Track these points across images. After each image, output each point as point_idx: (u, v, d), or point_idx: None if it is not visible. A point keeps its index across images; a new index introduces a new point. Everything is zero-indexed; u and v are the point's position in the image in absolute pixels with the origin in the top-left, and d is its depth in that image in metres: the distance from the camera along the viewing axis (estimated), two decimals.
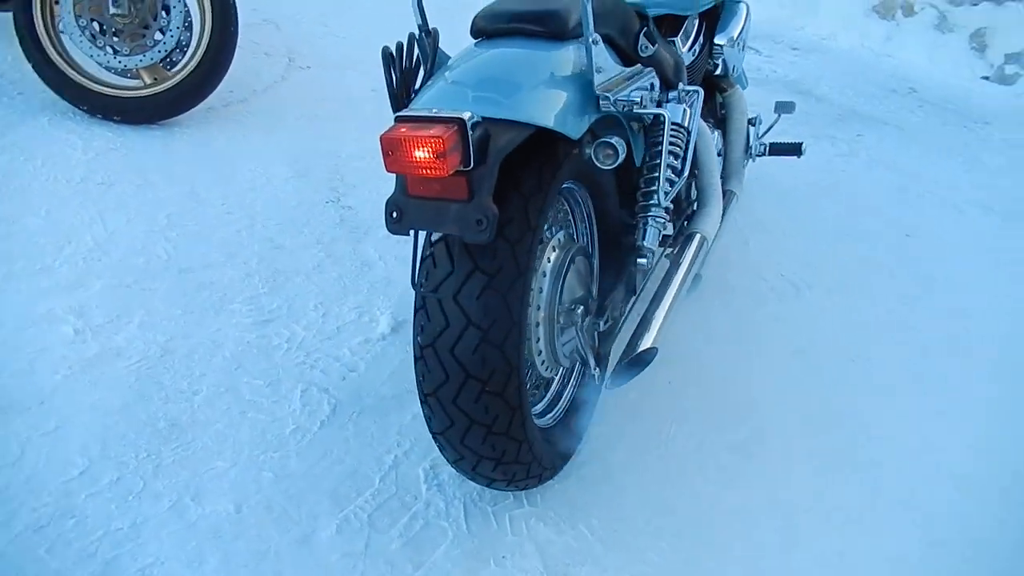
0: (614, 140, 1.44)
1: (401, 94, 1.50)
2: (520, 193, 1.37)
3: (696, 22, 2.27)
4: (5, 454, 1.64)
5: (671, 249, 1.94)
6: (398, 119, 1.27)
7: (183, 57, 2.92)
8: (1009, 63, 4.69)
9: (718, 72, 2.38)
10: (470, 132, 1.23)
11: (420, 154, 1.22)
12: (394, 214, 1.33)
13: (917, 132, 4.05)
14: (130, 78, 2.92)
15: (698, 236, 1.86)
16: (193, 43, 2.91)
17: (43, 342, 1.93)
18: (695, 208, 1.98)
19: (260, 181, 2.73)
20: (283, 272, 2.30)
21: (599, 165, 1.47)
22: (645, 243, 1.67)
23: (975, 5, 4.78)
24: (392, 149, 1.23)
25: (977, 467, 1.87)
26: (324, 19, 4.29)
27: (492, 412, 1.40)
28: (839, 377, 2.13)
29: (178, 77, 2.89)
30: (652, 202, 1.66)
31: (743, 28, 2.39)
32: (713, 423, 1.93)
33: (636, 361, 1.55)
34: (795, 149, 2.49)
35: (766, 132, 2.55)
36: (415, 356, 1.43)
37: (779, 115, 2.53)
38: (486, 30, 1.55)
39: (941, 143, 3.94)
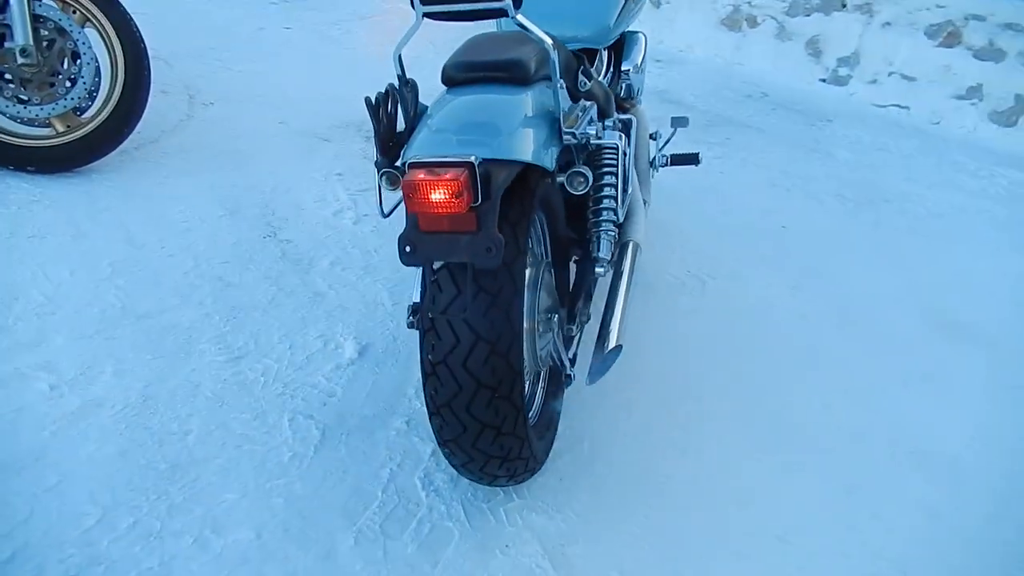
0: (583, 169, 1.64)
1: (386, 139, 1.64)
2: (508, 221, 1.55)
3: (605, 53, 2.51)
4: (15, 514, 1.66)
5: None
6: (411, 165, 1.42)
7: (92, 103, 2.90)
8: (841, 66, 5.24)
9: (622, 95, 2.63)
10: (477, 172, 1.40)
11: (437, 196, 1.38)
12: (407, 248, 1.47)
13: (775, 132, 4.49)
14: (39, 127, 2.87)
15: (632, 243, 2.08)
16: (105, 88, 2.90)
17: (19, 401, 1.93)
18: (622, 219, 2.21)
19: (194, 221, 2.76)
20: (240, 309, 2.36)
21: (571, 191, 1.67)
22: (600, 254, 1.88)
23: (808, 16, 5.31)
24: (413, 192, 1.38)
25: (866, 419, 2.20)
26: (214, 53, 4.29)
27: (501, 415, 1.56)
28: (757, 356, 2.42)
29: (93, 124, 2.87)
30: (603, 218, 1.88)
31: (644, 55, 2.65)
32: (658, 407, 2.16)
33: (607, 358, 1.76)
34: (693, 159, 2.77)
35: (664, 144, 2.82)
36: (426, 373, 1.56)
37: (675, 129, 2.81)
38: (456, 79, 1.71)
39: (797, 141, 4.39)
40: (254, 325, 2.30)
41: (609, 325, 1.80)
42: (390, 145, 1.64)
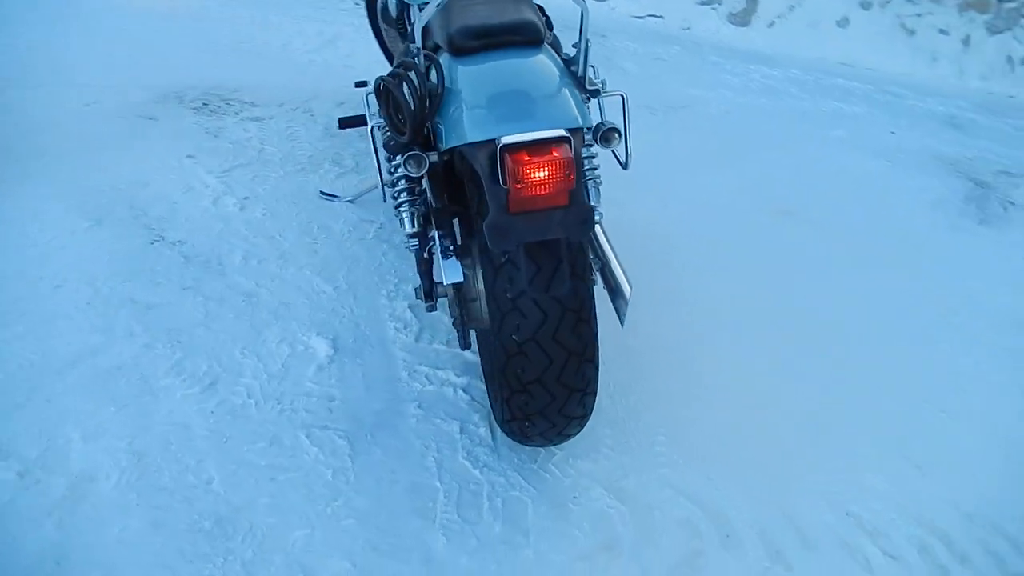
0: (614, 124, 1.62)
1: (421, 120, 1.51)
2: None
3: None
4: None
5: None
6: (507, 148, 1.34)
7: None
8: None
9: None
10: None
11: (542, 174, 1.32)
12: (498, 233, 1.40)
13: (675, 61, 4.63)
14: None
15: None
16: None
17: None
18: None
19: (63, 239, 2.35)
20: (178, 330, 2.08)
21: (605, 147, 1.65)
22: (598, 204, 1.90)
23: None
24: (518, 174, 1.31)
25: (798, 353, 2.48)
26: None
27: (587, 378, 1.57)
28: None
29: None
30: (597, 171, 1.89)
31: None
32: (655, 365, 2.23)
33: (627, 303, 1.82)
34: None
35: None
36: (510, 353, 1.52)
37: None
38: (468, 46, 1.59)
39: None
40: (205, 344, 2.05)
41: (617, 276, 1.84)
42: (423, 127, 1.53)
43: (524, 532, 1.68)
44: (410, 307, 2.27)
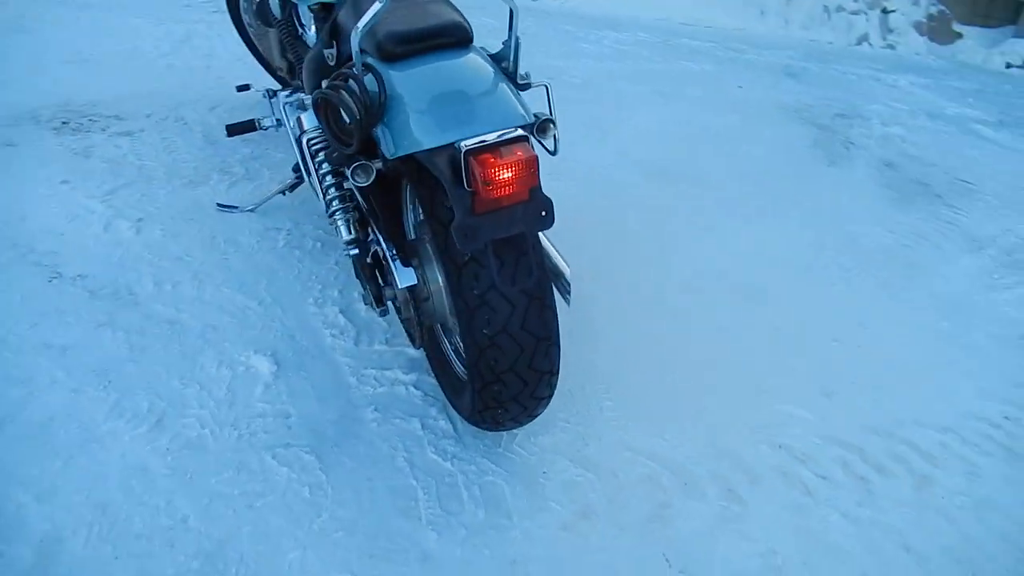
0: (548, 115, 1.68)
1: (368, 129, 1.51)
2: None
3: None
4: None
5: None
6: (472, 151, 1.38)
7: None
8: None
9: None
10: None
11: (508, 174, 1.37)
12: (466, 235, 1.44)
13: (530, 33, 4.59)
14: None
15: None
16: None
17: None
18: None
19: None
20: (106, 370, 1.98)
21: (541, 138, 1.69)
22: None
23: None
24: (485, 177, 1.36)
25: (697, 305, 2.66)
26: None
27: (553, 359, 1.64)
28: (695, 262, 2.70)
29: None
30: None
31: None
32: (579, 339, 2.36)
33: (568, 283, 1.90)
34: None
35: None
36: (481, 347, 1.56)
37: None
38: (400, 52, 1.59)
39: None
40: (139, 381, 1.96)
41: (553, 258, 1.93)
42: (366, 135, 1.53)
43: (507, 514, 1.75)
44: (341, 312, 2.26)
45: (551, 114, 1.71)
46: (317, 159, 1.92)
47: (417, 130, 1.49)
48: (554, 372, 1.67)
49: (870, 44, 5.46)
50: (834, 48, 5.35)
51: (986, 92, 4.84)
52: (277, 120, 2.61)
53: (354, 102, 1.51)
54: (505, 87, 1.57)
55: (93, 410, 1.86)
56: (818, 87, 4.48)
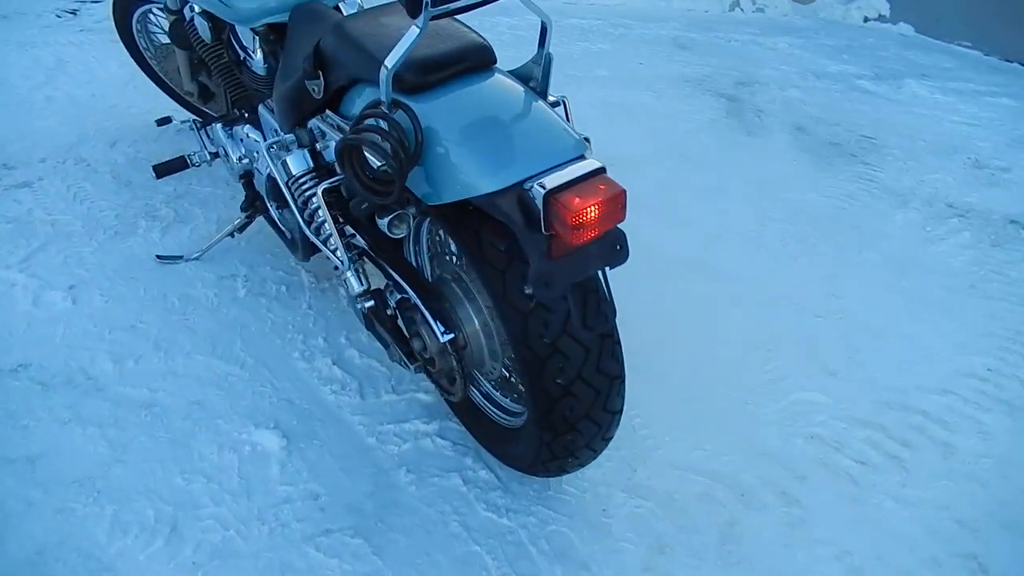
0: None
1: (404, 176, 1.31)
2: None
3: None
4: None
5: None
6: (553, 192, 1.21)
7: None
8: None
9: None
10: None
11: (594, 213, 1.21)
12: (547, 283, 1.28)
13: None
14: None
15: None
16: None
17: None
18: None
19: None
20: (89, 479, 1.67)
21: None
22: None
23: None
24: (571, 219, 1.20)
25: (672, 295, 2.59)
26: None
27: (623, 396, 1.51)
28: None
29: None
30: None
31: None
32: None
33: None
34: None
35: None
36: (554, 397, 1.41)
37: None
38: (427, 82, 1.38)
39: None
40: (132, 484, 1.68)
41: None
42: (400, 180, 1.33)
43: (583, 565, 1.62)
44: (334, 363, 2.03)
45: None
46: (311, 206, 1.68)
47: (469, 171, 1.30)
48: (622, 409, 1.54)
49: (742, 9, 5.58)
50: (711, 16, 5.42)
51: (854, 47, 5.05)
52: (212, 154, 2.31)
53: (392, 146, 1.30)
54: (551, 113, 1.40)
55: (90, 530, 1.57)
56: (710, 56, 4.52)
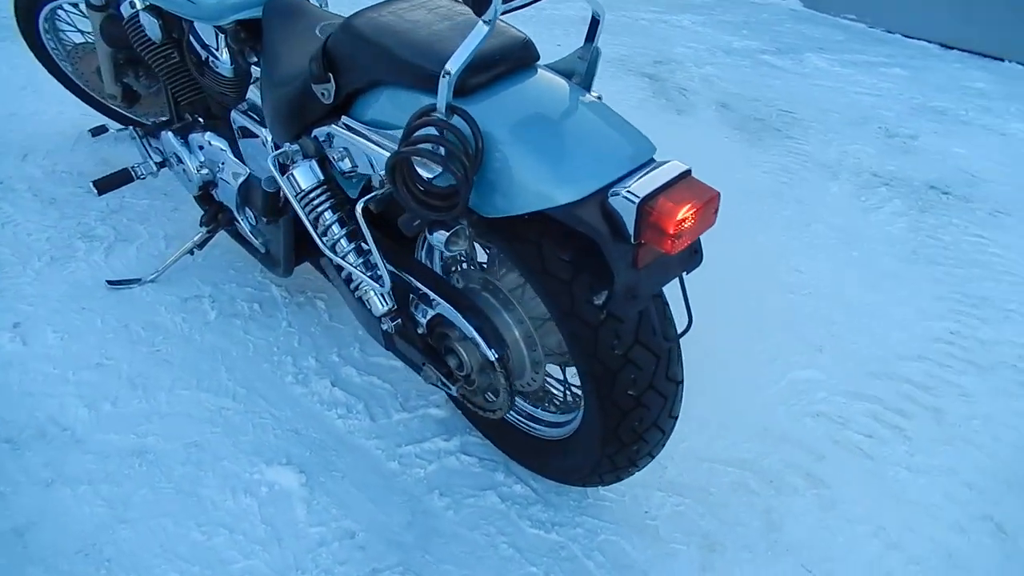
0: None
1: (470, 185, 1.20)
2: None
3: None
4: None
5: None
6: (645, 200, 1.13)
7: None
8: None
9: None
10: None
11: (691, 218, 1.15)
12: (635, 295, 1.21)
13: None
14: None
15: None
16: None
17: None
18: None
19: None
20: (94, 547, 1.46)
21: None
22: None
23: None
24: (681, 227, 1.12)
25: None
26: None
27: (682, 400, 1.46)
28: None
29: None
30: None
31: None
32: None
33: None
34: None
35: None
36: (625, 409, 1.36)
37: None
38: (472, 84, 1.26)
39: None
40: (144, 546, 1.48)
41: None
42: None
43: (643, 573, 1.58)
44: (333, 384, 1.88)
45: None
46: (326, 221, 1.53)
47: (541, 180, 1.19)
48: (678, 414, 1.50)
49: None
50: None
51: (751, 23, 5.20)
52: (158, 163, 2.08)
53: (458, 157, 1.18)
54: (615, 112, 1.31)
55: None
56: (623, 35, 4.53)
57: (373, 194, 1.38)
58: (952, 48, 4.90)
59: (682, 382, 1.42)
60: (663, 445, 1.49)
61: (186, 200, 2.39)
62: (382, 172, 1.33)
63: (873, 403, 2.05)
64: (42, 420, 1.68)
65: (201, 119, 1.98)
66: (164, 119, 2.12)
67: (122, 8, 1.94)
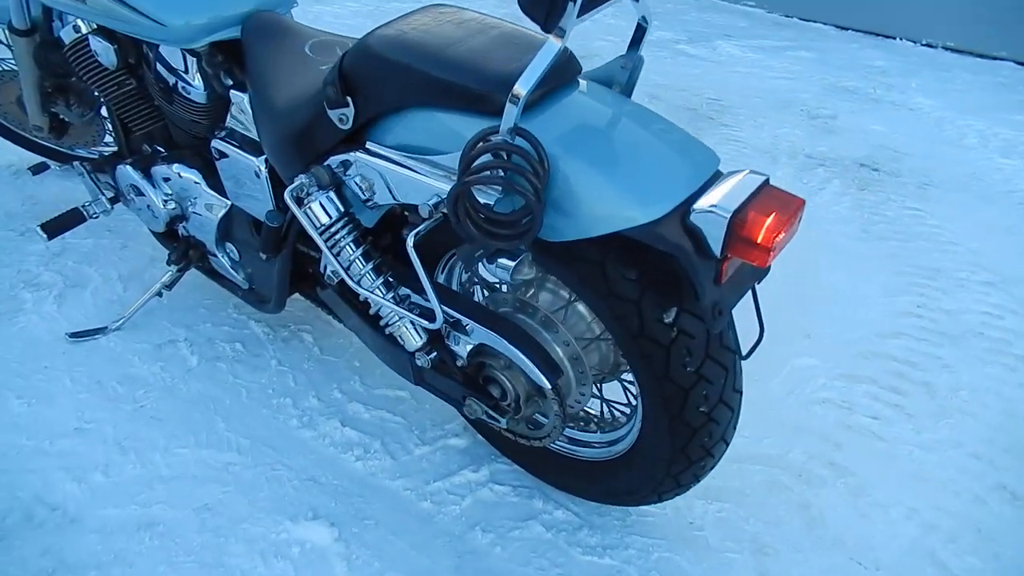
0: None
1: (542, 204, 1.11)
2: None
3: None
4: None
5: None
6: (736, 213, 1.06)
7: None
8: None
9: None
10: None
11: (776, 225, 1.09)
12: (722, 312, 1.17)
13: None
14: None
15: None
16: None
17: None
18: None
19: None
20: None
21: None
22: None
23: None
24: (774, 238, 1.07)
25: None
26: None
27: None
28: None
29: None
30: None
31: None
32: None
33: None
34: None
35: None
36: (696, 427, 1.30)
37: None
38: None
39: None
40: None
41: None
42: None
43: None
44: (343, 423, 1.74)
45: None
46: (349, 256, 1.39)
47: (613, 200, 1.11)
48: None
49: None
50: None
51: (659, 13, 5.25)
52: (111, 200, 1.87)
53: (530, 181, 1.09)
54: (671, 123, 1.24)
55: None
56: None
57: (425, 225, 1.26)
58: (847, 29, 5.10)
59: (742, 391, 1.37)
60: (722, 457, 1.44)
61: (134, 236, 2.17)
62: (430, 202, 1.21)
63: (869, 384, 2.08)
64: (27, 501, 1.46)
65: (161, 149, 1.78)
66: (112, 151, 1.90)
67: (62, 33, 1.71)
